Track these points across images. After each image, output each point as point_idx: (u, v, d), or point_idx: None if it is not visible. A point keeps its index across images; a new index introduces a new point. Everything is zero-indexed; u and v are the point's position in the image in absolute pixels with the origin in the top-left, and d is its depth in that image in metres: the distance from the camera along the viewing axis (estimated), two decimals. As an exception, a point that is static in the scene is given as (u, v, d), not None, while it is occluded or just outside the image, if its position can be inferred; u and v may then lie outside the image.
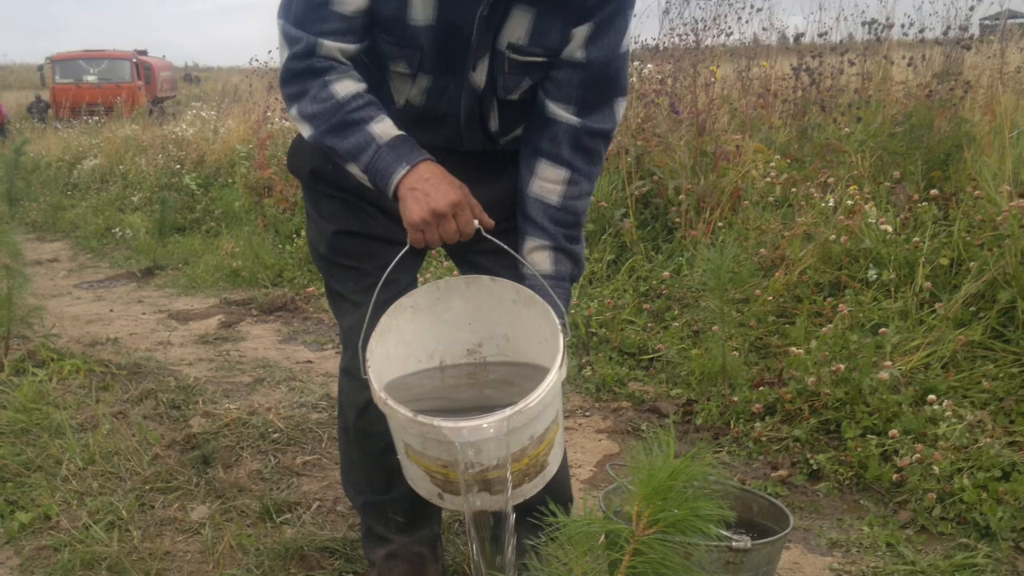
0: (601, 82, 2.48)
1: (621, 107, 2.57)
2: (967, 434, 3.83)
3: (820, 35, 9.64)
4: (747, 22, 10.41)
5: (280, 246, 9.12)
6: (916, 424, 3.97)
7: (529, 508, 2.30)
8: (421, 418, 2.06)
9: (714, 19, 10.01)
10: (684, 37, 9.96)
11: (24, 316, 5.67)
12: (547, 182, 2.55)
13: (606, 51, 2.44)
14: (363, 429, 2.78)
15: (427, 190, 2.26)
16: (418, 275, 2.85)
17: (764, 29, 10.87)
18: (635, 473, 1.87)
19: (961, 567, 3.24)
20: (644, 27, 14.48)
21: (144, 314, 7.62)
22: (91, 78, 34.83)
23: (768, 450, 4.23)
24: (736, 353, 4.92)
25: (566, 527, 1.89)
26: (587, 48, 2.42)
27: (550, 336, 2.26)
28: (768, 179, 6.53)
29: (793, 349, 4.69)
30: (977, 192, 5.24)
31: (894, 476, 3.77)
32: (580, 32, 2.40)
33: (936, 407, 4.01)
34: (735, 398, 4.58)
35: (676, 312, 5.76)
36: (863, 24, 9.52)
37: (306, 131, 2.40)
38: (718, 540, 2.41)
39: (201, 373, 5.70)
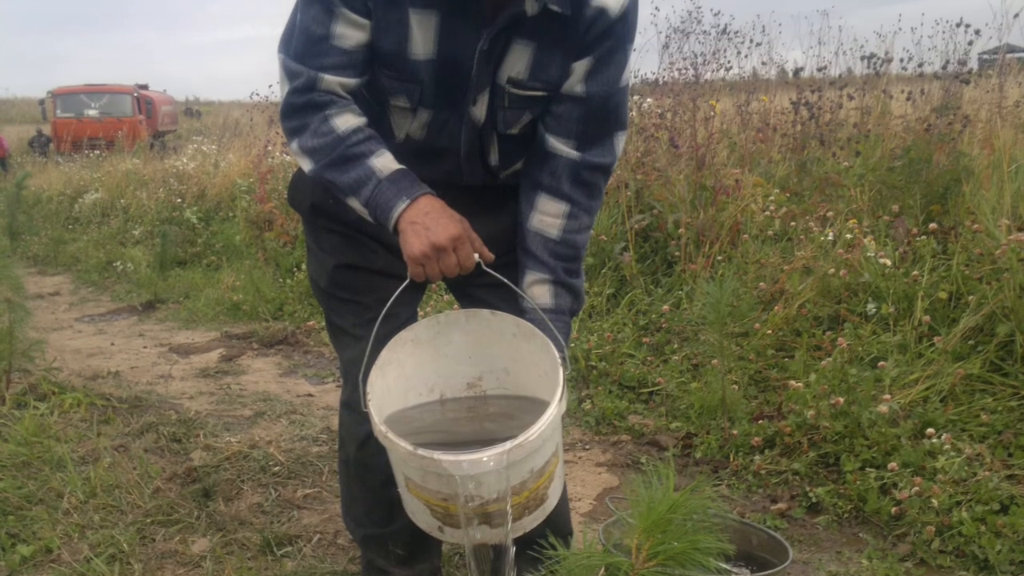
0: (601, 116, 2.50)
1: (621, 141, 2.59)
2: (966, 467, 3.83)
3: (819, 69, 9.68)
4: (746, 57, 10.43)
5: (281, 280, 9.14)
6: (915, 457, 3.97)
7: (529, 541, 2.30)
8: (421, 451, 2.07)
9: (713, 54, 10.05)
10: (684, 71, 10.00)
11: (25, 350, 5.68)
12: (547, 216, 2.56)
13: (606, 85, 2.45)
14: (363, 462, 2.79)
15: (427, 224, 2.27)
16: (418, 309, 2.86)
17: (763, 63, 10.91)
18: (635, 506, 1.88)
19: (960, 600, 3.25)
20: (644, 61, 14.59)
21: (145, 348, 7.63)
22: (92, 112, 34.92)
23: (767, 483, 4.23)
24: (735, 387, 4.93)
25: (566, 560, 1.90)
26: (587, 82, 2.44)
27: (550, 370, 2.26)
28: (767, 213, 6.55)
29: (792, 383, 4.69)
30: (976, 226, 5.26)
31: (893, 509, 3.77)
32: (580, 66, 2.42)
33: (935, 440, 4.02)
34: (734, 431, 4.59)
35: (676, 346, 5.77)
36: (862, 58, 9.56)
37: (307, 165, 2.41)
38: (717, 573, 2.42)
39: (202, 406, 5.70)
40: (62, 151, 27.57)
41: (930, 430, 4.11)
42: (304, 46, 2.34)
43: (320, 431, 5.11)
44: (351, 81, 2.37)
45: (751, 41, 10.29)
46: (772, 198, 6.72)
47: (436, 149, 2.57)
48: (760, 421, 4.62)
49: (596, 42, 2.40)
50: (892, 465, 3.94)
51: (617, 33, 2.41)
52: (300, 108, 2.37)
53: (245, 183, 11.97)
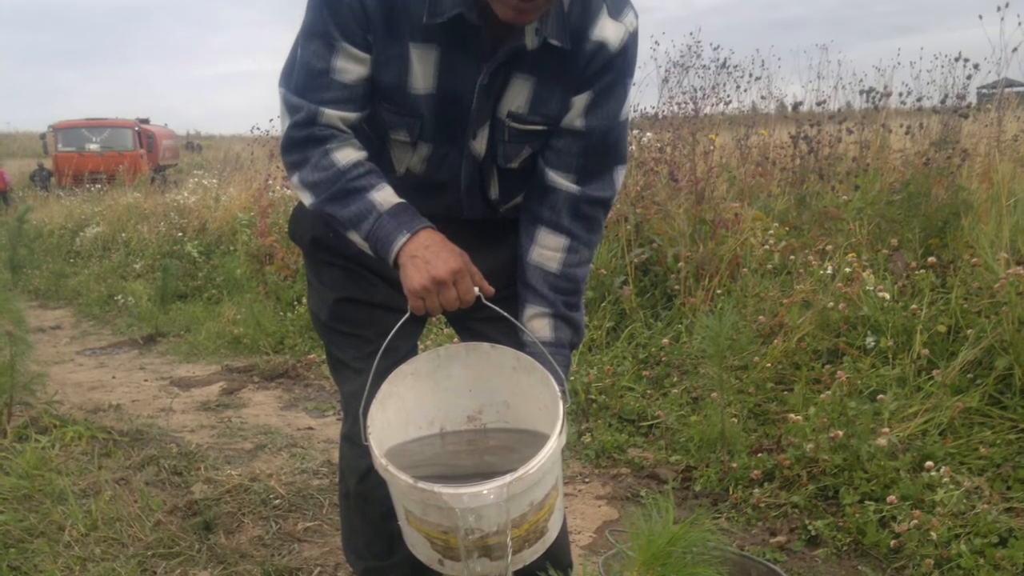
0: (601, 150, 2.52)
1: (620, 175, 2.60)
2: (964, 500, 3.84)
3: (818, 104, 9.72)
4: (746, 91, 10.48)
5: (281, 313, 9.15)
6: (914, 490, 3.98)
7: (529, 574, 2.31)
8: (422, 484, 2.08)
9: (713, 88, 10.11)
10: (683, 106, 10.05)
11: (27, 383, 5.68)
12: (547, 250, 2.57)
13: (606, 120, 2.47)
14: (364, 495, 2.79)
15: (428, 258, 2.28)
16: (419, 342, 2.86)
17: (762, 98, 10.97)
18: (634, 539, 1.89)
19: (959, 633, 3.25)
20: (643, 96, 14.61)
21: (146, 381, 7.64)
22: (93, 146, 34.97)
23: (767, 516, 4.24)
24: (735, 420, 4.94)
25: (565, 592, 1.91)
26: (587, 117, 2.46)
27: (550, 403, 2.27)
28: (767, 247, 6.57)
29: (791, 416, 4.71)
30: (974, 260, 5.28)
31: (892, 542, 3.77)
32: (580, 101, 2.44)
33: (934, 473, 4.03)
34: (734, 464, 4.59)
35: (675, 379, 5.78)
36: (861, 93, 9.60)
37: (307, 199, 2.42)
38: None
39: (203, 439, 5.71)
40: (63, 185, 27.58)
41: (929, 463, 4.12)
42: (305, 80, 2.36)
43: (321, 464, 5.11)
44: (352, 115, 2.39)
45: (750, 75, 10.36)
46: (771, 232, 6.75)
47: (436, 183, 2.59)
48: (759, 454, 4.63)
49: (596, 76, 2.42)
50: (891, 498, 3.95)
51: (617, 67, 2.44)
52: (301, 142, 2.39)
53: (246, 217, 11.99)
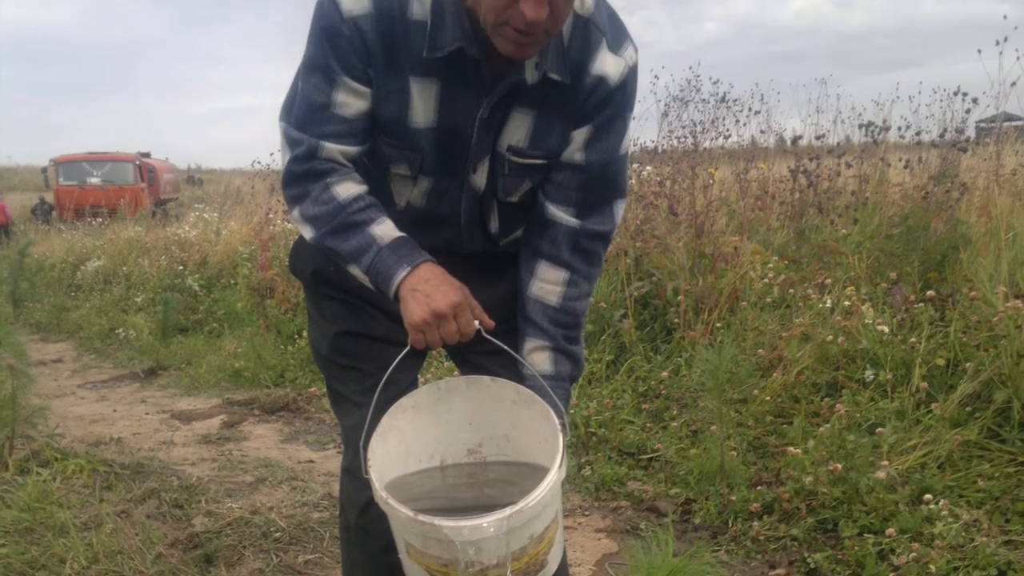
0: (600, 184, 2.53)
1: (620, 209, 2.62)
2: (963, 533, 3.85)
3: (817, 137, 9.76)
4: (745, 125, 10.51)
5: (282, 347, 9.16)
6: (913, 523, 3.99)
7: (529, 606, 2.32)
8: (422, 517, 2.08)
9: (712, 122, 10.15)
10: (683, 139, 10.10)
11: (28, 416, 5.70)
12: (547, 283, 2.58)
13: (605, 153, 2.49)
14: (364, 528, 2.78)
15: (428, 291, 2.30)
16: (419, 375, 2.87)
17: (762, 131, 11.00)
18: (634, 572, 1.91)
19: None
20: (643, 129, 14.65)
21: (147, 414, 7.64)
22: (95, 180, 35.07)
23: (766, 549, 4.24)
24: (734, 453, 4.95)
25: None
26: (586, 150, 2.47)
27: (550, 436, 2.28)
28: (766, 280, 6.59)
29: (791, 449, 4.71)
30: (973, 293, 5.30)
31: (891, 575, 3.78)
32: (579, 135, 2.46)
33: (932, 506, 4.04)
34: (733, 497, 4.60)
35: (675, 412, 5.79)
36: (860, 127, 9.62)
37: (308, 233, 2.43)
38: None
39: (204, 472, 5.72)
40: (64, 219, 27.66)
41: (928, 496, 4.13)
42: (305, 114, 2.37)
43: (321, 497, 5.12)
44: (352, 149, 2.40)
45: (750, 109, 10.40)
46: (771, 265, 6.77)
47: (437, 217, 2.60)
48: (759, 487, 4.64)
49: (596, 110, 2.44)
50: (890, 531, 3.96)
51: (616, 101, 2.45)
52: (301, 176, 2.40)
53: (246, 251, 12.04)
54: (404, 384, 2.59)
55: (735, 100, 10.38)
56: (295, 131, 2.39)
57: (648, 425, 5.74)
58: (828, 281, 6.33)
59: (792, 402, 5.37)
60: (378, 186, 2.53)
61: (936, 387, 4.99)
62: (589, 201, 2.54)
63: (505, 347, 2.42)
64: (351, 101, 2.36)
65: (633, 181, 8.90)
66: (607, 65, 2.41)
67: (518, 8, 2.12)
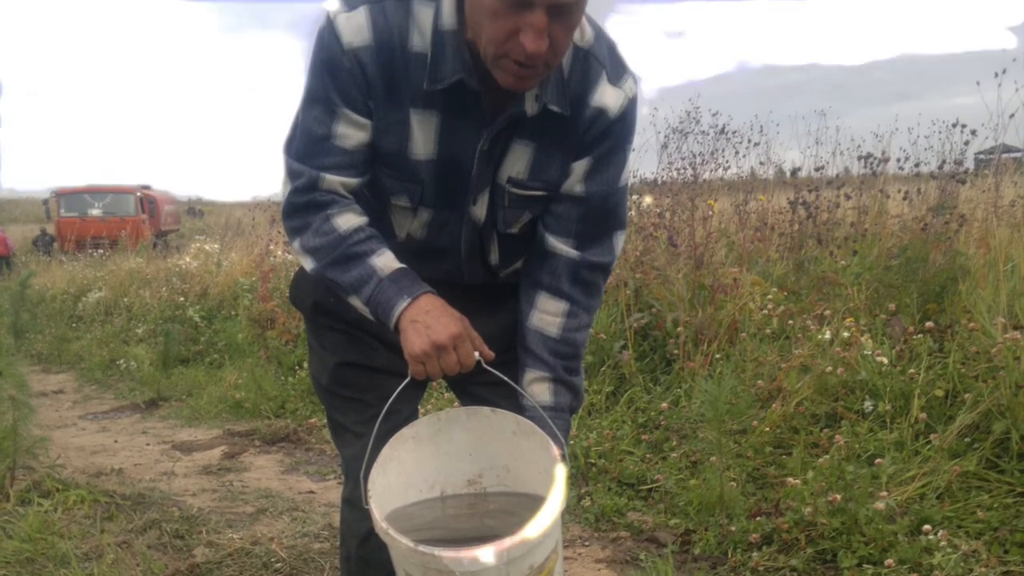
0: (600, 216, 2.55)
1: (620, 240, 2.64)
2: (962, 564, 3.86)
3: (817, 169, 9.80)
4: (744, 156, 10.56)
5: (283, 378, 9.16)
6: (911, 554, 3.99)
7: (528, 636, 2.33)
8: (423, 548, 2.09)
9: (712, 153, 10.21)
10: (682, 171, 10.14)
11: (29, 447, 5.71)
12: (547, 314, 2.60)
13: (605, 185, 2.51)
14: (365, 558, 2.78)
15: (428, 323, 2.31)
16: (419, 406, 2.88)
17: (761, 163, 11.05)
18: (630, 600, 1.92)
19: None
20: (643, 161, 14.65)
21: (148, 445, 7.65)
22: (96, 212, 35.20)
23: (766, 580, 4.25)
24: (734, 483, 4.96)
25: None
26: (586, 182, 2.49)
27: (550, 467, 2.29)
28: (765, 312, 6.61)
29: (790, 480, 4.72)
30: (972, 324, 5.32)
31: (890, 606, 3.79)
32: (579, 166, 2.48)
33: (931, 537, 4.05)
34: (732, 528, 4.60)
35: (674, 443, 5.80)
36: (859, 159, 9.66)
37: (308, 264, 2.45)
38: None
39: (205, 503, 5.72)
40: (65, 250, 27.68)
41: (926, 527, 4.14)
42: (306, 146, 2.39)
43: (322, 528, 5.12)
44: (352, 181, 2.42)
45: (749, 141, 10.46)
46: (770, 297, 6.79)
47: (437, 248, 2.62)
48: (758, 518, 4.64)
49: (595, 142, 2.46)
50: (889, 561, 3.96)
51: (616, 133, 2.48)
52: (302, 207, 2.42)
53: (247, 282, 12.05)
54: (404, 415, 2.60)
55: (734, 132, 10.45)
56: (296, 163, 2.41)
57: (648, 456, 5.75)
58: (827, 312, 6.35)
59: (791, 433, 5.38)
60: (378, 217, 2.54)
61: (935, 418, 5.00)
62: (589, 233, 2.56)
63: (505, 378, 2.44)
64: (351, 133, 2.38)
65: (633, 212, 8.93)
66: (607, 97, 2.43)
67: (518, 40, 2.14)
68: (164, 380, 10.26)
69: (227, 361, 10.67)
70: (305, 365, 8.55)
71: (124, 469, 6.64)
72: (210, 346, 11.52)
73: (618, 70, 2.47)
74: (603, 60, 2.45)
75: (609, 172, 2.51)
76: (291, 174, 2.42)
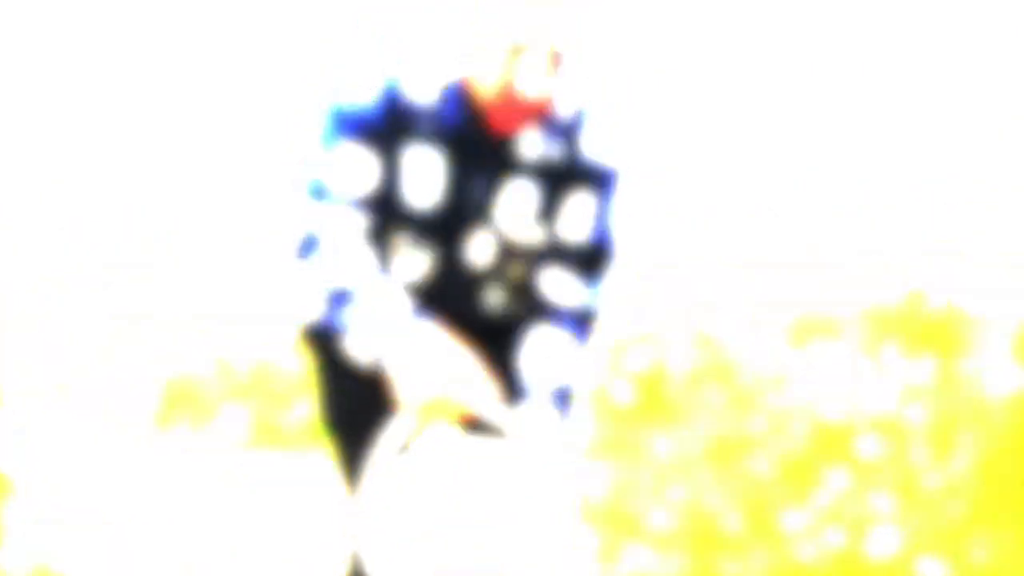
0: (599, 255, 2.57)
1: (614, 281, 2.62)
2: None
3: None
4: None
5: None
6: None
7: None
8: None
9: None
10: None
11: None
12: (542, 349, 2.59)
13: (603, 226, 2.53)
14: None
15: (430, 363, 2.32)
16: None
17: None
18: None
19: None
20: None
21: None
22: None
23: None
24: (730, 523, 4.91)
25: None
26: (585, 223, 2.49)
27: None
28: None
29: (788, 521, 4.68)
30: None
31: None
32: (578, 208, 2.48)
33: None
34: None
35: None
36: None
37: (308, 308, 2.45)
38: None
39: None
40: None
41: (926, 568, 4.11)
42: (308, 193, 2.40)
43: None
44: (354, 228, 2.42)
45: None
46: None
47: (439, 292, 2.62)
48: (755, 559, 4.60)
49: (593, 185, 2.47)
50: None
51: (614, 176, 2.50)
52: (301, 251, 2.41)
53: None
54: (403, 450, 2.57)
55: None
56: (298, 210, 2.40)
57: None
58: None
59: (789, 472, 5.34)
60: (379, 262, 2.53)
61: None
62: (588, 271, 2.58)
63: (507, 423, 2.41)
64: (353, 180, 2.40)
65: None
66: (603, 140, 2.46)
67: (516, 87, 2.14)
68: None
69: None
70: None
71: None
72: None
73: (613, 114, 2.47)
74: (598, 104, 2.45)
75: (607, 214, 2.52)
76: (293, 220, 2.41)
